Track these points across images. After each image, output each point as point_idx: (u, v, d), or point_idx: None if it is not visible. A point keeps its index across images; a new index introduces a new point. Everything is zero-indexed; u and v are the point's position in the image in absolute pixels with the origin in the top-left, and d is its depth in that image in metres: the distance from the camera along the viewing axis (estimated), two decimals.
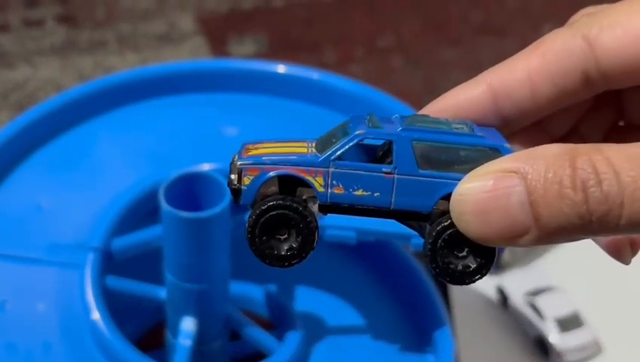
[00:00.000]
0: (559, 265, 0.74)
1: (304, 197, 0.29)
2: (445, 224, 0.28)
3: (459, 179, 0.27)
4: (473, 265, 0.28)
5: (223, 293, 0.53)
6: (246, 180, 0.28)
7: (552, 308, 0.68)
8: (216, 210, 0.48)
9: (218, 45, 0.94)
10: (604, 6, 0.28)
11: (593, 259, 0.75)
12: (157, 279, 0.53)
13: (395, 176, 0.28)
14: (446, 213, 0.27)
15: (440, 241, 0.28)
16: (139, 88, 0.60)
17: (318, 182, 0.28)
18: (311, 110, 0.61)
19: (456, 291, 0.71)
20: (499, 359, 0.68)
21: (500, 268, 0.73)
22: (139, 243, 0.53)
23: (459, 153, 0.27)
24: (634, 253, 0.32)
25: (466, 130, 0.28)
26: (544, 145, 0.25)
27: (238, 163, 0.29)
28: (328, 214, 0.29)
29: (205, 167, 0.54)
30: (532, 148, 0.25)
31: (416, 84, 0.91)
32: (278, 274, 0.60)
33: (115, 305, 0.52)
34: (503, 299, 0.71)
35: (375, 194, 0.28)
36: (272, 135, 0.58)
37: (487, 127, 0.29)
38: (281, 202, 0.28)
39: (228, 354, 0.56)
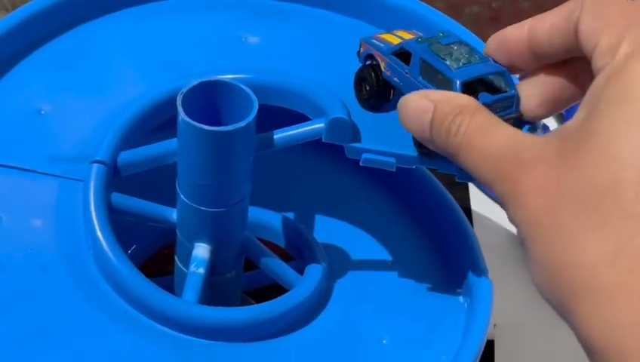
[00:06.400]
0: None
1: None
2: None
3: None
4: None
5: (241, 219, 0.47)
6: (360, 51, 0.45)
7: None
8: (242, 124, 0.42)
9: None
10: None
11: None
12: (167, 201, 0.48)
13: (409, 76, 0.42)
14: None
15: None
16: None
17: (383, 65, 0.43)
18: (340, 20, 0.55)
19: (479, 226, 0.66)
20: (527, 298, 0.63)
21: None
22: (149, 158, 0.47)
23: (438, 76, 0.40)
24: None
25: (462, 61, 0.40)
26: (455, 94, 0.39)
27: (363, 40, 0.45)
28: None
29: (224, 77, 0.48)
30: (451, 93, 0.39)
31: None
32: (299, 202, 0.55)
33: (119, 227, 0.46)
34: None
35: (400, 83, 0.42)
36: (295, 46, 0.52)
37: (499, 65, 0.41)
38: (365, 68, 0.44)
39: (241, 285, 0.51)
